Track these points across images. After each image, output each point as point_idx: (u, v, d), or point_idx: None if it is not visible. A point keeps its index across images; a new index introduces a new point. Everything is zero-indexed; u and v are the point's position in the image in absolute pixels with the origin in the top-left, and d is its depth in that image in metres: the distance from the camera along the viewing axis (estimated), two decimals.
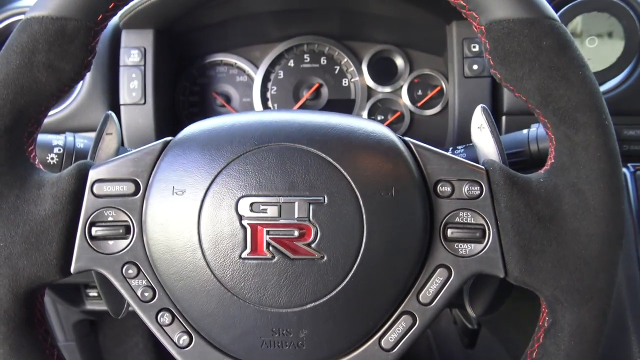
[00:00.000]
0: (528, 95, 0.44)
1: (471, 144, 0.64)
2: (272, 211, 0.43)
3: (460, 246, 0.44)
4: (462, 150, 0.63)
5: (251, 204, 0.43)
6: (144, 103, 0.73)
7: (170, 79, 0.82)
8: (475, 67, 0.72)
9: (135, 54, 0.73)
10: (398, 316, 0.45)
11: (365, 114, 0.85)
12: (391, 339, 0.45)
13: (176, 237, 0.44)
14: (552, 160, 0.44)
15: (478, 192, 0.45)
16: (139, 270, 0.45)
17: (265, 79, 0.86)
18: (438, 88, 0.83)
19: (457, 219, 0.45)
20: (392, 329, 0.45)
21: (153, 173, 0.45)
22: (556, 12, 0.66)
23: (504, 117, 0.71)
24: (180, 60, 0.85)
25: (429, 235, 0.45)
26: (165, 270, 0.44)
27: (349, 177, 0.43)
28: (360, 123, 0.46)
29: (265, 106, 0.86)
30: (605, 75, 0.64)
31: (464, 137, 0.72)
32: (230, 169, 0.44)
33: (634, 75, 0.66)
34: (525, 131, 0.60)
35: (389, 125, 0.84)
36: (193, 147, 0.45)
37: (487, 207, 0.44)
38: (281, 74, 0.86)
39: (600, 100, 0.43)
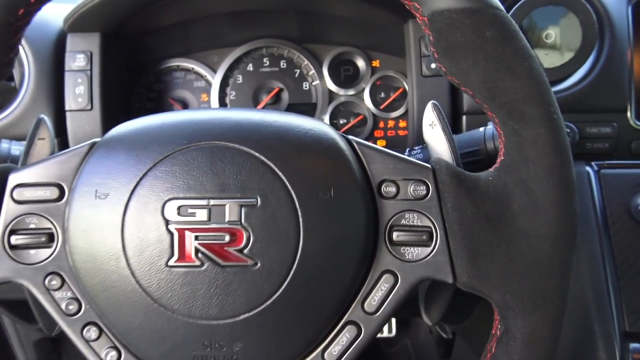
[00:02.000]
0: (474, 89, 0.42)
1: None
2: (200, 215, 0.40)
3: (407, 250, 0.42)
4: (418, 150, 0.61)
5: (178, 208, 0.40)
6: (91, 109, 0.70)
7: (123, 84, 0.79)
8: (433, 65, 0.69)
9: (80, 59, 0.70)
10: (342, 327, 0.42)
11: (327, 118, 0.82)
12: (335, 351, 0.42)
13: (99, 244, 0.41)
14: (502, 158, 0.42)
15: (424, 192, 0.42)
16: (63, 281, 0.42)
17: (224, 84, 0.83)
18: (401, 90, 0.81)
19: (402, 221, 0.42)
20: (336, 340, 0.42)
21: (77, 176, 0.42)
22: (511, 6, 0.64)
23: (464, 117, 0.69)
24: (136, 65, 0.82)
25: (373, 239, 0.42)
26: (88, 280, 0.41)
27: (284, 177, 0.40)
28: (299, 120, 0.44)
29: None
30: (563, 70, 0.62)
31: (423, 138, 0.70)
32: (156, 170, 0.41)
33: (595, 71, 0.64)
34: (481, 129, 0.58)
35: (351, 129, 0.82)
36: (119, 147, 0.42)
37: (433, 207, 0.42)
38: (240, 79, 0.84)
39: (548, 92, 0.40)
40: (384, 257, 0.42)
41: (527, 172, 0.40)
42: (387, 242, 0.42)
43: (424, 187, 0.42)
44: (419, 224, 0.42)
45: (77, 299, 0.42)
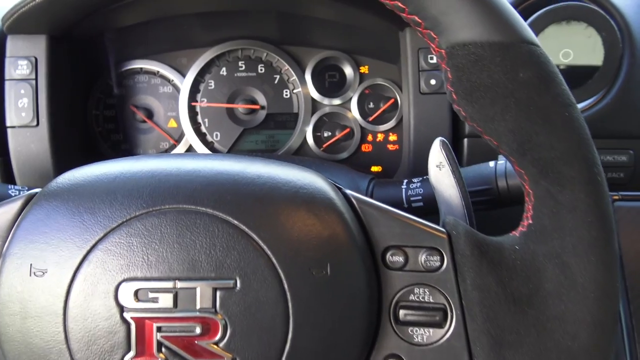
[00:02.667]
0: (500, 139, 0.34)
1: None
2: (164, 300, 0.32)
3: (416, 332, 0.36)
4: (418, 184, 0.54)
5: (136, 291, 0.32)
6: (37, 125, 0.60)
7: (76, 93, 0.69)
8: (432, 82, 0.62)
9: (23, 65, 0.60)
10: None
11: (309, 129, 0.74)
12: None
13: (35, 334, 0.33)
14: (530, 222, 0.35)
15: (438, 264, 0.35)
16: None
17: (194, 90, 0.74)
18: (392, 101, 0.73)
19: (411, 297, 0.36)
20: None
21: (7, 243, 0.34)
22: (525, 20, 0.57)
23: (465, 140, 0.62)
24: (92, 67, 0.72)
25: (375, 318, 0.35)
26: None
27: (269, 252, 0.33)
28: (287, 174, 0.36)
29: (194, 121, 0.74)
30: (583, 93, 0.56)
31: (420, 162, 0.63)
32: (108, 242, 0.33)
33: (611, 93, 0.58)
34: (491, 164, 0.51)
35: (336, 143, 0.74)
36: (60, 209, 0.34)
37: (449, 282, 0.35)
38: (212, 84, 0.74)
39: (591, 148, 0.34)
40: (388, 339, 0.36)
41: (563, 244, 0.34)
42: (392, 322, 0.36)
43: (438, 257, 0.35)
44: (431, 300, 0.36)
45: None
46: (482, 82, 0.34)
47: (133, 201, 0.33)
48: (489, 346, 0.34)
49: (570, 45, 0.55)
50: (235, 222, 0.33)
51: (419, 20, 0.35)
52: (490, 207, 0.50)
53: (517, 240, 0.36)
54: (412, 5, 0.35)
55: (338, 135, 0.74)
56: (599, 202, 0.33)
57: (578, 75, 0.56)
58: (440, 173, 0.43)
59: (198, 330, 0.32)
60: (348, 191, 0.37)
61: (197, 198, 0.33)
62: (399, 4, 0.35)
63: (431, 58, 0.62)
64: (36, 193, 0.36)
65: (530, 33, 0.34)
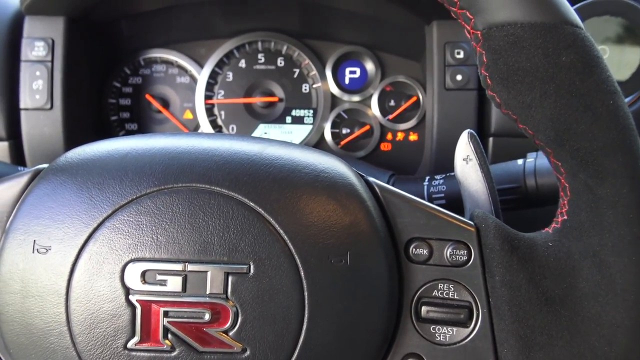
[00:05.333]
0: (537, 128, 0.32)
1: (452, 174, 0.52)
2: (173, 283, 0.30)
3: (438, 330, 0.33)
4: (440, 181, 0.51)
5: (143, 272, 0.30)
6: (51, 108, 0.59)
7: (92, 78, 0.68)
8: (459, 77, 0.59)
9: (40, 47, 0.58)
10: None
11: (328, 125, 0.72)
12: None
13: (35, 314, 0.31)
14: (565, 217, 0.33)
15: (465, 258, 0.33)
16: None
17: (211, 81, 0.73)
18: (414, 99, 0.71)
19: (434, 293, 0.34)
20: None
21: (11, 217, 0.32)
22: None
23: (490, 139, 0.59)
24: (109, 55, 0.71)
25: (396, 314, 0.33)
26: (21, 358, 0.32)
27: (285, 237, 0.31)
28: (308, 157, 0.34)
29: (210, 113, 0.73)
30: None
31: (443, 161, 0.61)
32: (116, 220, 0.31)
33: None
34: (520, 162, 0.48)
35: (354, 141, 0.72)
36: (67, 184, 0.32)
37: (476, 278, 0.33)
38: (230, 76, 0.73)
39: (636, 140, 0.31)
40: (408, 337, 0.34)
41: (602, 242, 0.31)
42: (414, 319, 0.34)
43: (465, 251, 0.33)
44: (456, 297, 0.34)
45: None
46: (520, 66, 0.32)
47: (144, 178, 0.32)
48: (518, 348, 0.32)
49: (607, 42, 0.53)
50: (251, 204, 0.31)
51: (455, 0, 0.33)
52: (518, 206, 0.48)
53: (550, 237, 0.33)
54: None
55: (357, 132, 0.72)
56: None
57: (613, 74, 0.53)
58: (467, 167, 0.40)
59: (207, 317, 0.30)
60: (371, 179, 0.35)
61: (212, 177, 0.31)
62: None
63: (458, 53, 0.60)
64: (44, 168, 0.34)
65: (574, 15, 0.32)
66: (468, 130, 0.40)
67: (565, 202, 0.33)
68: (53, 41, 0.59)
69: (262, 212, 0.31)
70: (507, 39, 0.31)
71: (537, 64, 0.31)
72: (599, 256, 0.31)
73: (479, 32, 0.32)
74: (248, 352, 0.30)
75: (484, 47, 0.32)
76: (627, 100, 0.55)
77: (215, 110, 0.73)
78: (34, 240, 0.31)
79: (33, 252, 0.31)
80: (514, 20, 0.31)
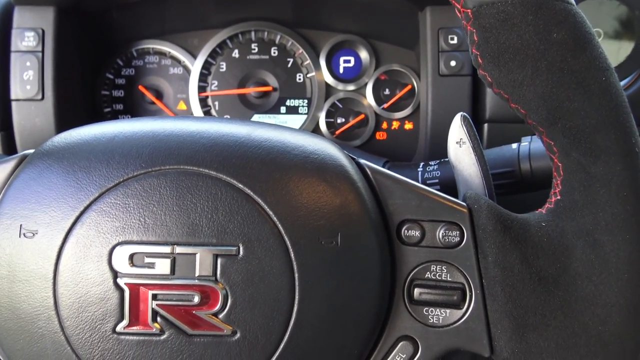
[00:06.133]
0: (528, 107, 0.32)
1: (446, 159, 0.51)
2: (161, 266, 0.30)
3: (431, 312, 0.33)
4: (435, 166, 0.51)
5: (131, 256, 0.30)
6: (42, 98, 0.58)
7: (85, 68, 0.67)
8: (452, 63, 0.59)
9: (30, 37, 0.58)
10: None
11: (322, 115, 0.72)
12: None
13: (23, 299, 0.31)
14: (559, 197, 0.33)
15: (457, 239, 0.33)
16: None
17: (205, 72, 0.72)
18: (408, 87, 0.71)
19: (427, 275, 0.33)
20: None
21: None
22: None
23: (485, 125, 0.59)
24: (102, 46, 0.70)
25: (388, 297, 0.33)
26: (10, 344, 0.31)
27: (275, 218, 0.30)
28: (297, 139, 0.33)
29: (204, 104, 0.72)
30: None
31: (437, 148, 0.60)
32: (103, 203, 0.30)
33: None
34: (514, 146, 0.48)
35: (349, 130, 0.71)
36: (54, 167, 0.32)
37: (468, 259, 0.33)
38: (224, 66, 0.72)
39: (628, 117, 0.31)
40: (401, 319, 0.33)
41: (595, 221, 0.31)
42: (406, 301, 0.33)
43: (457, 232, 0.33)
44: (449, 279, 0.33)
45: None
46: (511, 44, 0.31)
47: (131, 161, 0.31)
48: (511, 329, 0.31)
49: (601, 25, 0.52)
50: (240, 185, 0.31)
51: None
52: (512, 190, 0.47)
53: (544, 217, 0.33)
54: None
55: (352, 121, 0.72)
56: (636, 175, 0.31)
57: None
58: (461, 150, 0.40)
59: (196, 300, 0.30)
60: (362, 160, 0.35)
61: (200, 159, 0.31)
62: None
63: (452, 38, 0.59)
64: (31, 153, 0.34)
65: None
66: (461, 113, 0.39)
67: (559, 181, 0.33)
68: (43, 31, 0.58)
69: (251, 193, 0.31)
70: (498, 17, 0.31)
71: (528, 41, 0.31)
72: (593, 235, 0.31)
73: (469, 10, 0.32)
74: (238, 335, 0.30)
75: (475, 25, 0.32)
76: (622, 83, 0.55)
77: (209, 101, 0.73)
78: (21, 225, 0.31)
79: (20, 236, 0.31)
80: None
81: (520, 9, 0.31)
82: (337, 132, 0.72)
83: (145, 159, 0.31)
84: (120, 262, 0.30)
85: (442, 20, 0.59)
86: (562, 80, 0.31)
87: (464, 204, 0.34)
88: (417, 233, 0.33)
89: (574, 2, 0.31)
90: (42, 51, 0.58)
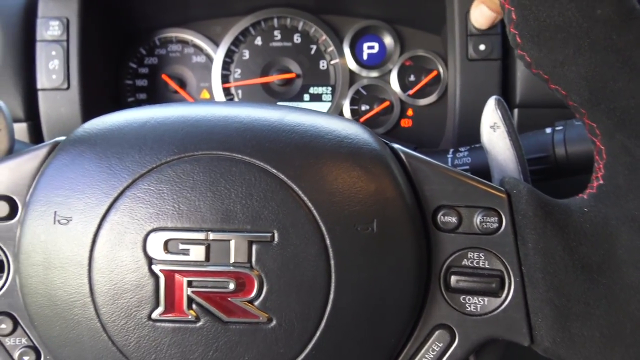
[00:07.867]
0: (570, 87, 0.31)
1: (477, 145, 0.50)
2: (196, 253, 0.30)
3: (469, 300, 0.32)
4: (465, 152, 0.50)
5: (166, 242, 0.30)
6: (67, 88, 0.58)
7: (108, 58, 0.67)
8: (482, 47, 0.58)
9: (55, 27, 0.58)
10: None
11: (347, 102, 0.71)
12: None
13: (59, 285, 0.31)
14: (601, 182, 0.32)
15: (496, 225, 0.32)
16: (15, 324, 0.33)
17: (227, 60, 0.72)
18: (434, 73, 0.70)
19: (464, 262, 0.32)
20: None
21: (31, 189, 0.32)
22: None
23: (516, 110, 0.57)
24: (125, 35, 0.70)
25: (424, 284, 0.32)
26: (46, 330, 0.31)
27: (310, 204, 0.30)
28: (330, 123, 0.33)
29: (227, 93, 0.72)
30: None
31: (466, 135, 0.59)
32: (137, 189, 0.30)
33: None
34: (548, 130, 0.46)
35: (374, 117, 0.70)
36: (87, 154, 0.32)
37: (507, 246, 0.32)
38: (246, 54, 0.72)
39: None
40: (437, 307, 0.33)
41: None
42: (443, 289, 0.33)
43: (496, 218, 0.32)
44: (487, 266, 0.32)
45: (34, 348, 0.33)
46: (552, 21, 0.30)
47: (164, 146, 0.31)
48: (553, 317, 0.31)
49: None
50: (274, 171, 0.30)
51: None
52: (547, 176, 0.46)
53: (586, 203, 0.32)
54: None
55: (376, 109, 0.71)
56: None
57: None
58: (495, 135, 0.39)
59: (232, 287, 0.30)
60: (396, 145, 0.34)
61: (233, 144, 0.31)
62: None
63: None
64: (62, 140, 0.34)
65: None
66: (495, 96, 0.38)
67: (601, 165, 0.32)
68: (68, 20, 0.58)
69: (285, 179, 0.30)
70: None
71: (571, 18, 0.30)
72: (638, 221, 0.30)
73: None
74: (274, 322, 0.30)
75: (513, 3, 0.31)
76: None
77: (232, 90, 0.72)
78: (55, 212, 0.31)
79: (54, 223, 0.31)
80: None
81: None
82: (361, 119, 0.71)
83: (178, 144, 0.31)
84: (155, 248, 0.30)
85: (470, 2, 0.57)
86: (606, 59, 0.30)
87: (502, 189, 0.33)
88: (453, 219, 0.32)
89: None
90: (67, 40, 0.58)
